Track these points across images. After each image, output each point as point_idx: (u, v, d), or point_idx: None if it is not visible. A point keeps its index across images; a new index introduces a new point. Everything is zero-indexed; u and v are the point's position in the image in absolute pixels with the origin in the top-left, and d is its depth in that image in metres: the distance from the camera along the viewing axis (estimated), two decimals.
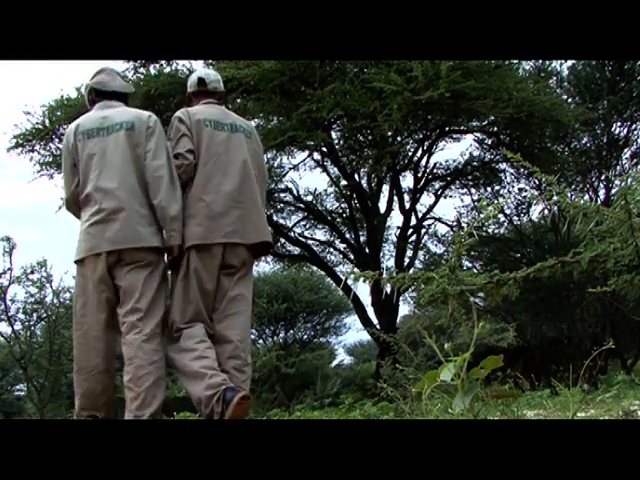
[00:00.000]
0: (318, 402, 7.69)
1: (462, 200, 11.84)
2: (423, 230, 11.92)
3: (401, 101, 7.20)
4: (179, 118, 2.80)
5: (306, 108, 7.81)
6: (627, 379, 5.28)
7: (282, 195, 11.57)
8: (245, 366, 2.70)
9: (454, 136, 10.88)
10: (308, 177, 24.27)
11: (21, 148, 9.21)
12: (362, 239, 11.59)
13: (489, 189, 11.56)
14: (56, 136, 9.23)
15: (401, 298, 12.79)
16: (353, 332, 23.61)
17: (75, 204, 2.75)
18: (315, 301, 16.04)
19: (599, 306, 10.12)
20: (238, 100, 8.88)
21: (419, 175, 11.04)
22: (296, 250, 12.42)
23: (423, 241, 12.23)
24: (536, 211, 11.27)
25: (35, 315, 10.96)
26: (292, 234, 11.95)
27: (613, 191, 9.95)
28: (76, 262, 2.69)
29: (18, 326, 10.83)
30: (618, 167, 10.49)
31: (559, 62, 10.34)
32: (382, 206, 11.06)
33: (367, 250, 11.12)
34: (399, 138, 10.14)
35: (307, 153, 10.83)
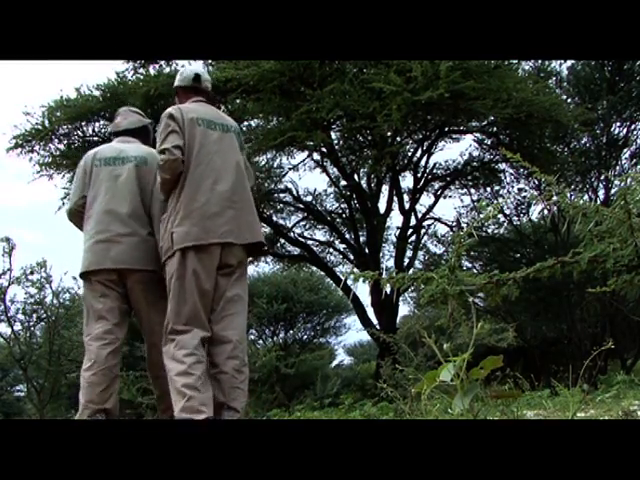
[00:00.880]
0: (318, 402, 7.66)
1: (462, 200, 11.83)
2: (423, 230, 11.90)
3: (400, 101, 7.19)
4: (170, 114, 2.77)
5: (306, 108, 7.79)
6: (627, 379, 5.26)
7: (282, 195, 11.55)
8: (243, 366, 2.71)
9: (454, 136, 10.86)
10: (308, 177, 24.23)
11: (21, 149, 9.16)
12: (362, 239, 11.57)
13: (489, 189, 11.54)
14: (56, 137, 9.20)
15: (401, 298, 12.79)
16: (353, 332, 23.59)
17: (78, 215, 3.08)
18: (315, 301, 16.01)
19: (599, 306, 10.10)
20: (238, 100, 8.88)
21: (419, 175, 11.02)
22: (296, 250, 12.40)
23: (423, 241, 12.21)
24: (536, 211, 11.24)
25: (35, 316, 10.93)
26: (292, 234, 11.93)
27: (613, 191, 9.94)
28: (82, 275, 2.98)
29: (18, 327, 10.80)
30: (617, 167, 10.47)
31: (558, 62, 10.32)
32: (382, 206, 11.04)
33: (367, 250, 11.10)
34: (399, 138, 10.11)
35: (307, 153, 10.81)
